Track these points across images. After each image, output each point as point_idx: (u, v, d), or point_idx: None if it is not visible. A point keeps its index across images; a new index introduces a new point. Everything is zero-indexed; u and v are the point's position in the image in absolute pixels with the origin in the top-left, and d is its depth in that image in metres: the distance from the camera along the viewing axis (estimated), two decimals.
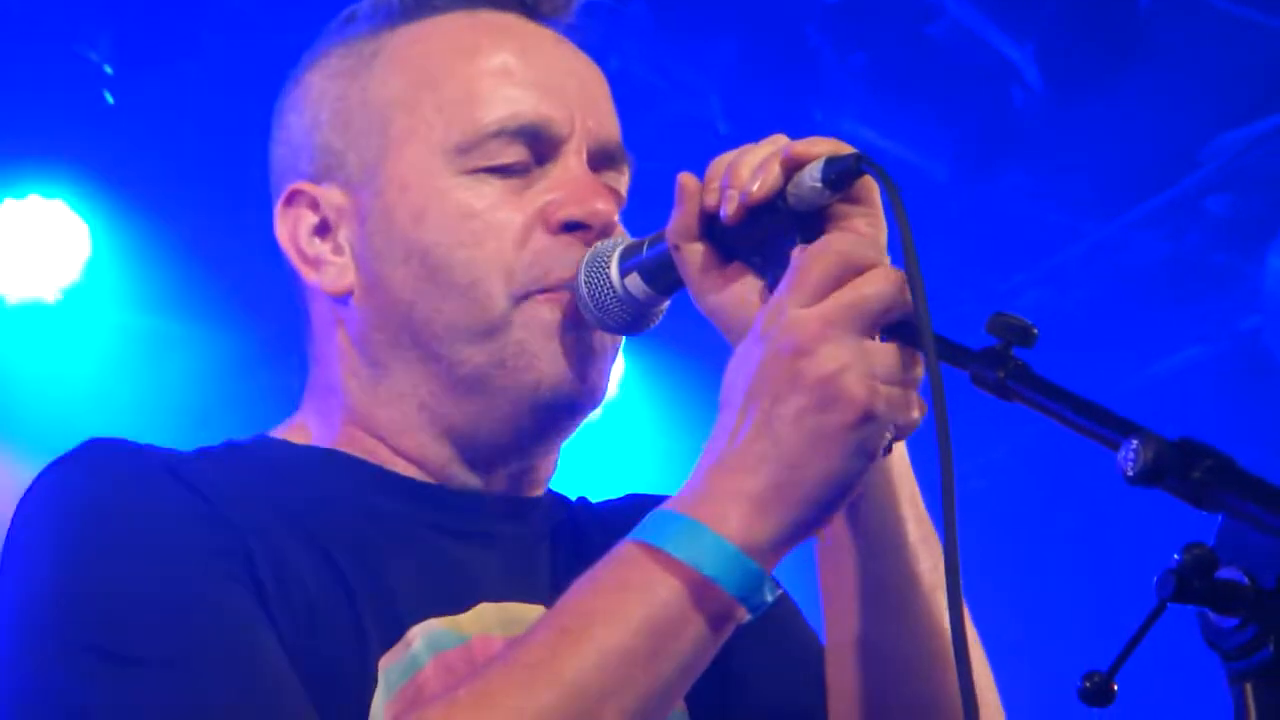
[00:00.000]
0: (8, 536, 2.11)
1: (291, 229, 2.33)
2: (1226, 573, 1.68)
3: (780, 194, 2.06)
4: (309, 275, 2.32)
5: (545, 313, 2.23)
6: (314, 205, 2.32)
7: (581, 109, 2.30)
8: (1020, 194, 6.49)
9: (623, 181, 2.35)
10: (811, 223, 2.07)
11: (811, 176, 2.04)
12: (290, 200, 2.33)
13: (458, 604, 2.18)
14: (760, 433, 1.94)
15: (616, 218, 2.28)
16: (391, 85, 2.30)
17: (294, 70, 2.41)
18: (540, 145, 2.27)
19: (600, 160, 2.31)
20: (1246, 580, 1.67)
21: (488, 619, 2.18)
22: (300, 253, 2.32)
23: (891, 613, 2.18)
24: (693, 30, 5.87)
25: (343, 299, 2.30)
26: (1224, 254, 6.62)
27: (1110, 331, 6.88)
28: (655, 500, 2.37)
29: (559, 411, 2.27)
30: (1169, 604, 1.69)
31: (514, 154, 2.26)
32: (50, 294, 5.94)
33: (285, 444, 2.32)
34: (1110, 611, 4.85)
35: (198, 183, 5.52)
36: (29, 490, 2.13)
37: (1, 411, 5.93)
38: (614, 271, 2.21)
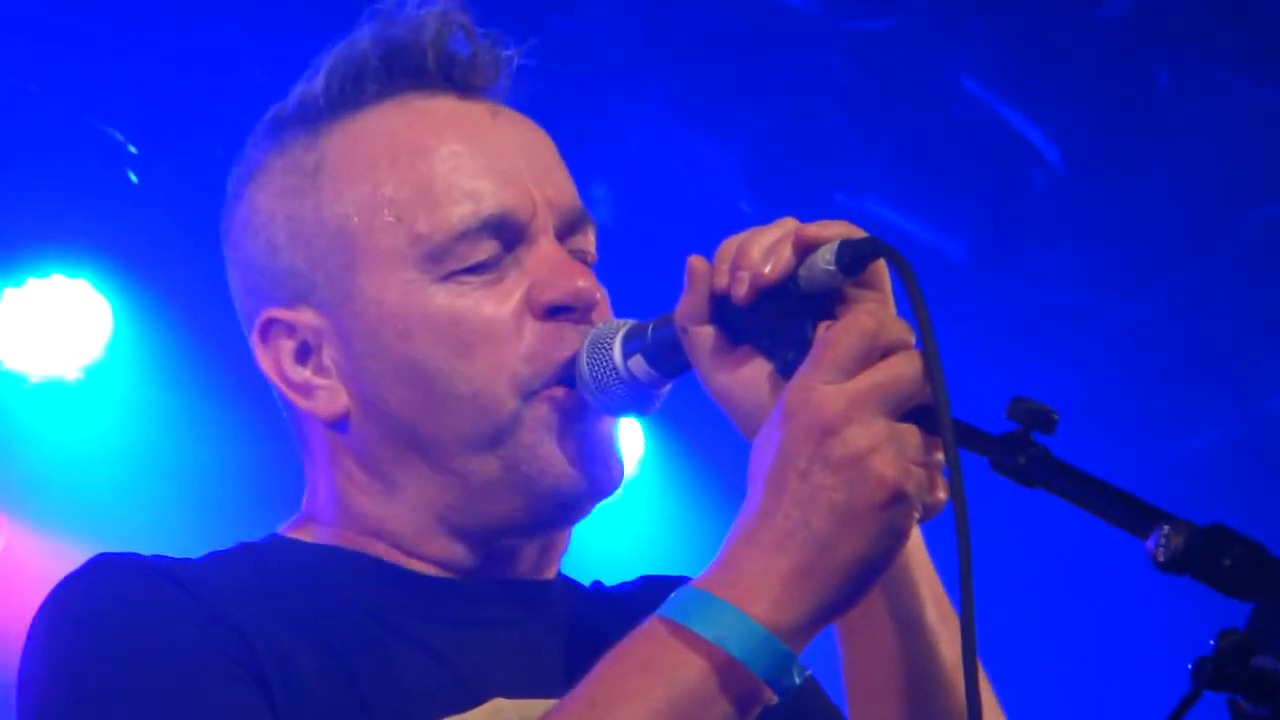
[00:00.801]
0: (23, 653, 2.13)
1: (274, 359, 2.30)
2: (1261, 660, 1.66)
3: (792, 276, 2.05)
4: (301, 403, 2.29)
5: (549, 412, 2.22)
6: (290, 331, 2.29)
7: (537, 183, 2.29)
8: (1040, 274, 6.49)
9: (590, 241, 2.33)
10: (822, 306, 2.06)
11: (824, 260, 2.03)
12: (265, 329, 2.30)
13: (471, 700, 2.16)
14: (789, 512, 1.92)
15: (600, 294, 2.27)
16: (344, 200, 2.27)
17: (233, 181, 2.37)
18: (507, 233, 2.25)
19: (566, 229, 2.30)
20: None
21: (503, 716, 2.17)
22: (288, 381, 2.30)
23: (915, 694, 2.16)
24: (713, 110, 5.89)
25: (339, 423, 2.28)
26: (1247, 334, 6.61)
27: (1133, 412, 6.85)
28: (669, 581, 2.37)
29: (577, 503, 2.27)
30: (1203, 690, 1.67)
31: (485, 250, 2.24)
32: (72, 372, 5.95)
33: (297, 544, 2.31)
34: (1134, 697, 4.83)
35: (220, 261, 5.52)
36: (41, 608, 2.14)
37: (24, 488, 5.92)
38: (617, 354, 2.20)
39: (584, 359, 2.21)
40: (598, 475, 2.24)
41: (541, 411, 2.21)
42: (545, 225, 2.27)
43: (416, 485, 2.25)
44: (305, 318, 2.28)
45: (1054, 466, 1.86)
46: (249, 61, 5.45)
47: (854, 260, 2.02)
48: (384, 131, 2.29)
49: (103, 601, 2.11)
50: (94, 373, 5.96)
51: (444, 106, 2.31)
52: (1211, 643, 1.69)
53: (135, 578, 2.14)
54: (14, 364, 5.89)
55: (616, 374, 2.19)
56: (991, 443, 1.89)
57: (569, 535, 2.35)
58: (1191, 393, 6.82)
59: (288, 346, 2.29)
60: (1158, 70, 5.83)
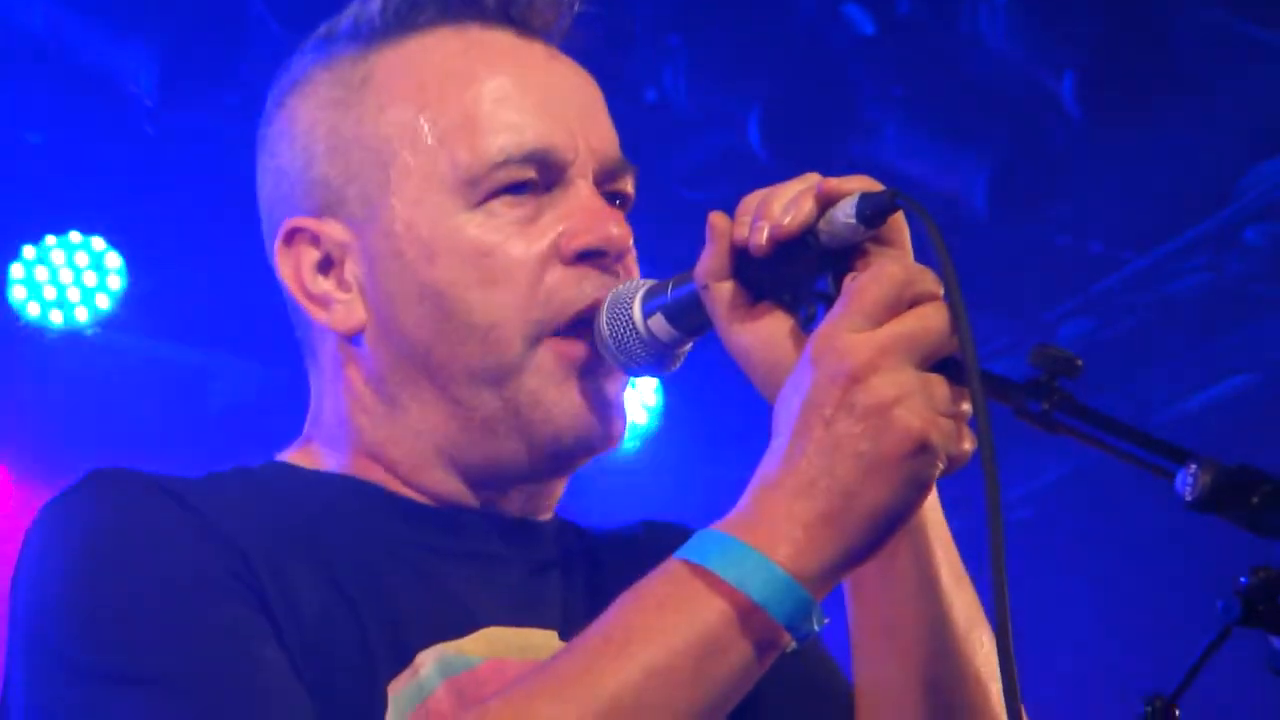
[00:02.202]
0: (17, 566, 2.10)
1: (294, 267, 2.28)
2: None
3: (812, 230, 2.03)
4: (316, 314, 2.28)
5: (558, 359, 2.21)
6: (315, 241, 2.27)
7: (583, 128, 2.27)
8: (1059, 226, 6.48)
9: (629, 188, 2.32)
10: (843, 261, 2.04)
11: (845, 213, 2.01)
12: (290, 237, 2.28)
13: (465, 628, 2.15)
14: (814, 459, 1.91)
15: (630, 242, 2.26)
16: (387, 117, 2.25)
17: (276, 92, 2.35)
18: (546, 171, 2.23)
19: (605, 177, 2.28)
20: None
21: (498, 643, 2.15)
22: (305, 290, 2.28)
23: (923, 657, 2.15)
24: (730, 62, 5.87)
25: (353, 338, 2.27)
26: (1263, 284, 6.60)
27: (1150, 362, 6.85)
28: (668, 526, 2.37)
29: (575, 455, 2.25)
30: (1234, 628, 1.66)
31: (521, 183, 2.22)
32: (88, 326, 5.97)
33: (295, 468, 2.30)
34: (1166, 637, 4.82)
35: (235, 216, 5.52)
36: (35, 521, 2.11)
37: (40, 442, 5.95)
38: (637, 313, 2.18)
39: (603, 318, 2.20)
40: (597, 429, 2.23)
41: (549, 359, 2.20)
42: (585, 170, 2.25)
43: (420, 410, 2.24)
44: (332, 230, 2.26)
45: (1078, 411, 1.85)
46: (265, 15, 5.43)
47: (875, 212, 2.00)
48: (436, 56, 2.27)
49: (100, 515, 2.09)
50: (108, 326, 5.98)
51: (501, 40, 2.30)
52: (1242, 580, 1.68)
53: (133, 492, 2.11)
54: (34, 317, 5.93)
55: (636, 333, 2.18)
56: (1015, 390, 1.88)
57: (566, 481, 2.34)
58: (1209, 342, 6.82)
59: (311, 256, 2.28)
60: (1176, 20, 5.81)
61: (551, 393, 2.20)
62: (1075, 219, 6.47)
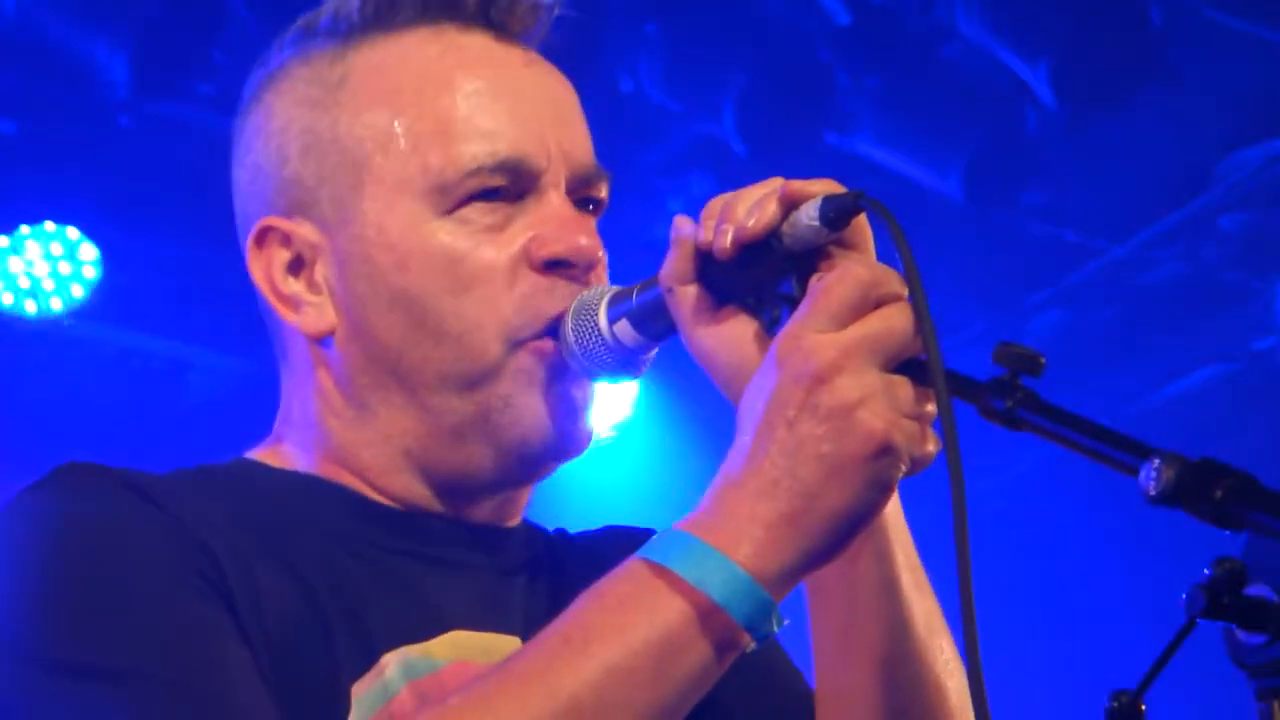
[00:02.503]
0: None
1: (265, 267, 2.27)
2: (1255, 589, 1.67)
3: (776, 233, 2.03)
4: (287, 316, 2.27)
5: (531, 364, 2.20)
6: (286, 241, 2.26)
7: (556, 135, 2.26)
8: (1034, 214, 6.49)
9: (603, 194, 2.32)
10: (807, 264, 2.04)
11: (808, 215, 2.01)
12: (262, 236, 2.27)
13: (431, 631, 2.15)
14: (776, 459, 1.91)
15: (600, 252, 2.25)
16: (362, 119, 2.24)
17: (252, 83, 2.34)
18: (518, 179, 2.23)
19: (578, 184, 2.28)
20: (1275, 597, 1.66)
21: (462, 646, 2.15)
22: (276, 291, 2.27)
23: (882, 661, 2.15)
24: (706, 52, 5.87)
25: (323, 340, 2.27)
26: (1239, 273, 6.62)
27: (1125, 351, 6.87)
28: (633, 532, 2.37)
29: (543, 461, 2.25)
30: (1198, 620, 1.67)
31: (493, 190, 2.22)
32: (63, 316, 5.96)
33: (263, 466, 2.29)
34: (1133, 630, 4.84)
35: (209, 206, 5.51)
36: (1, 515, 2.10)
37: (15, 432, 5.94)
38: (602, 319, 2.18)
39: (569, 324, 2.19)
40: (566, 434, 2.23)
41: (525, 362, 2.20)
42: (557, 179, 2.25)
43: (389, 415, 2.24)
44: (303, 231, 2.26)
45: (1042, 409, 1.85)
46: (239, 3, 5.43)
47: (838, 214, 2.00)
48: (413, 58, 2.27)
49: (66, 509, 2.08)
50: (82, 317, 5.97)
51: (478, 44, 2.29)
52: (1206, 571, 1.69)
53: (99, 487, 2.10)
54: (8, 306, 5.92)
55: (601, 339, 2.18)
56: (979, 389, 1.88)
57: (532, 488, 2.34)
58: (1184, 331, 6.83)
59: (281, 257, 2.27)
60: (1150, 8, 5.82)
61: (524, 397, 2.20)
62: (1050, 208, 6.48)
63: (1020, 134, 6.10)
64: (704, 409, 6.20)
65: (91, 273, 5.98)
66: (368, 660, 2.09)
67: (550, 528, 2.40)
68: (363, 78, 2.26)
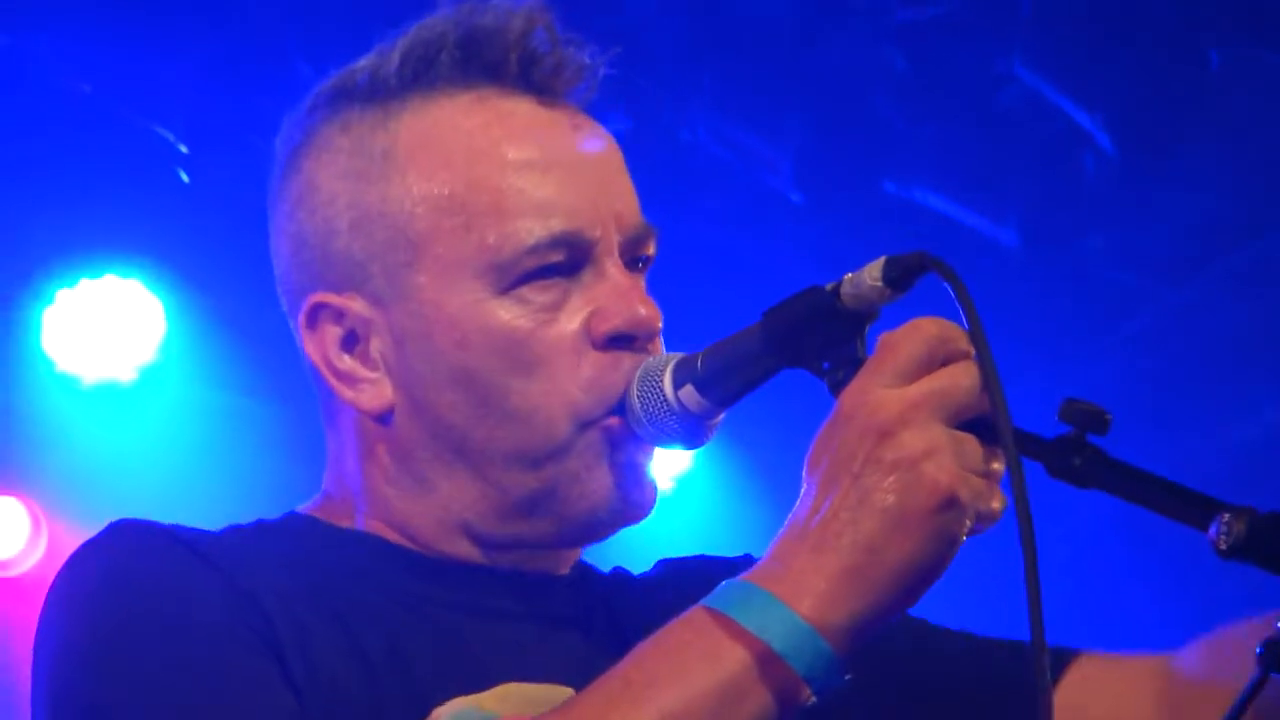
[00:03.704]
0: (40, 618, 2.13)
1: (320, 345, 2.27)
2: None
3: (837, 294, 2.04)
4: (344, 393, 2.27)
5: (599, 442, 2.21)
6: (338, 317, 2.26)
7: (607, 200, 2.26)
8: (1094, 260, 6.47)
9: (651, 250, 2.31)
10: (867, 324, 2.06)
11: (872, 276, 2.02)
12: (314, 313, 2.28)
13: (483, 683, 2.15)
14: (840, 512, 1.92)
15: (659, 322, 2.26)
16: (413, 195, 2.23)
17: (286, 146, 2.33)
18: (574, 252, 2.22)
19: (630, 245, 2.29)
20: None
21: (515, 698, 2.15)
22: (332, 368, 2.27)
23: None
24: (762, 101, 5.88)
25: (382, 416, 2.27)
26: None
27: (1188, 397, 6.83)
28: (684, 564, 2.38)
29: (608, 528, 2.26)
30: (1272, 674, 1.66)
31: (551, 266, 2.22)
32: (126, 374, 5.97)
33: (315, 521, 2.31)
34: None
35: (270, 260, 5.54)
36: (59, 574, 2.14)
37: (79, 492, 5.96)
38: (668, 386, 2.19)
39: (635, 391, 2.20)
40: (632, 500, 2.24)
41: (594, 440, 2.21)
42: (610, 246, 2.25)
43: (451, 489, 2.24)
44: (356, 306, 2.26)
45: (1109, 467, 1.86)
46: (297, 57, 5.46)
47: (902, 274, 2.01)
48: (460, 129, 2.25)
49: (122, 567, 2.11)
50: (148, 373, 5.98)
51: (523, 111, 2.27)
52: (1278, 625, 1.69)
53: (154, 544, 2.13)
54: (68, 366, 5.93)
55: (668, 405, 2.19)
56: (1046, 447, 1.89)
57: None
58: (1246, 378, 6.79)
59: (334, 333, 2.27)
60: (1209, 52, 5.81)
61: (593, 471, 2.21)
62: (1110, 252, 6.46)
63: (1079, 180, 6.09)
64: (763, 461, 6.20)
65: (156, 328, 5.98)
66: (419, 713, 2.11)
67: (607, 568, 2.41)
68: (409, 150, 2.25)
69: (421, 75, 2.26)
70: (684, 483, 6.67)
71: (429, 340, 2.22)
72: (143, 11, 5.44)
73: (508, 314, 2.21)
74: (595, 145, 2.30)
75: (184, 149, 5.66)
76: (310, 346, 2.28)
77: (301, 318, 2.28)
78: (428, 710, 2.11)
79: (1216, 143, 5.87)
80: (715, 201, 6.17)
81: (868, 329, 2.04)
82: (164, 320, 5.97)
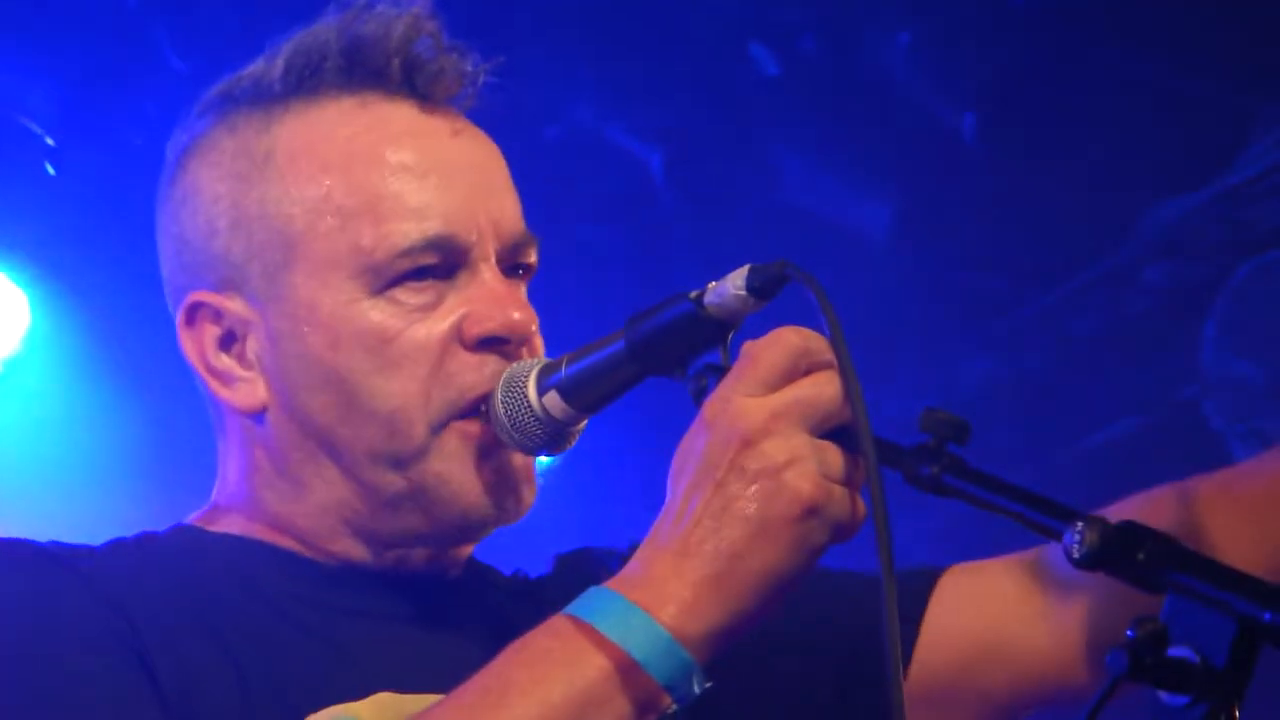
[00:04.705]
0: None
1: (198, 343, 2.29)
2: (1177, 651, 1.69)
3: (700, 303, 2.05)
4: (220, 391, 2.29)
5: (462, 442, 2.21)
6: (216, 316, 2.28)
7: (485, 207, 2.27)
8: (960, 263, 6.52)
9: (532, 259, 2.32)
10: (730, 333, 2.07)
11: (735, 285, 2.03)
12: (193, 312, 2.29)
13: (360, 692, 2.16)
14: (703, 520, 1.93)
15: (533, 326, 2.26)
16: (291, 197, 2.25)
17: (175, 147, 2.34)
18: (448, 256, 2.24)
19: (508, 252, 2.29)
20: (1197, 659, 1.68)
21: (389, 708, 2.16)
22: (208, 366, 2.29)
23: None
24: (636, 99, 5.88)
25: (256, 416, 2.27)
26: (1161, 323, 6.66)
27: (1049, 400, 6.89)
28: (572, 560, 2.39)
29: (482, 528, 2.29)
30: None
31: (424, 269, 2.23)
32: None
33: (198, 531, 2.30)
34: None
35: (138, 253, 5.49)
36: None
37: None
38: (532, 392, 2.19)
39: (498, 398, 2.21)
40: (505, 505, 2.25)
41: (452, 443, 2.22)
42: (487, 251, 2.26)
43: (325, 488, 2.25)
44: (234, 306, 2.26)
45: (967, 476, 1.88)
46: (168, 52, 5.41)
47: (765, 284, 2.03)
48: (340, 132, 2.26)
49: None
50: (11, 365, 5.91)
51: (403, 115, 2.28)
52: (1128, 633, 1.71)
53: (22, 561, 2.13)
54: None
55: (531, 411, 2.19)
56: (905, 455, 1.91)
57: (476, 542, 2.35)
58: (1107, 381, 6.86)
59: (212, 332, 2.28)
60: (1073, 61, 5.87)
61: (456, 474, 2.21)
62: (977, 255, 6.51)
63: (947, 180, 6.13)
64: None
65: (20, 320, 5.92)
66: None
67: (507, 569, 2.42)
68: (289, 153, 2.26)
69: (305, 80, 2.27)
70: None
71: (302, 340, 2.23)
72: (10, 2, 5.38)
73: (380, 315, 2.22)
74: (475, 151, 2.31)
75: (50, 141, 5.59)
76: (188, 344, 2.28)
77: (181, 315, 2.28)
78: (301, 716, 2.10)
79: (1081, 150, 5.94)
80: (584, 195, 6.16)
81: (730, 337, 2.06)
82: (28, 313, 5.90)
